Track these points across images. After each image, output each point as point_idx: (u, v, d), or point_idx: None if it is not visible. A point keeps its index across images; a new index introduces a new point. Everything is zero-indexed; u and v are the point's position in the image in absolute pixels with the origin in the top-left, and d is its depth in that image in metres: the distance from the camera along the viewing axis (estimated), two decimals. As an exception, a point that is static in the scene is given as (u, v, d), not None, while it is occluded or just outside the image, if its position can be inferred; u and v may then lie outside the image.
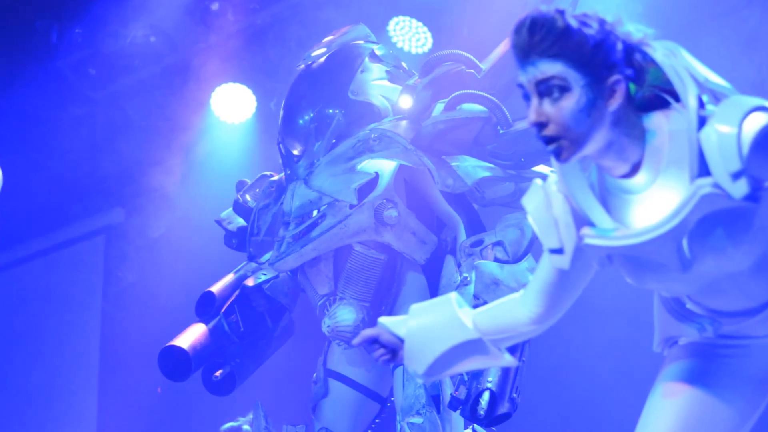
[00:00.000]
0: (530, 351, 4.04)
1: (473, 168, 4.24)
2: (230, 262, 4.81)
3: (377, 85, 4.43)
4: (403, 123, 4.28)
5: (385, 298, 4.32)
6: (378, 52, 4.52)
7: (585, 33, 2.31)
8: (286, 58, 6.07)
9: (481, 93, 4.17)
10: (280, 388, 5.73)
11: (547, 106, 2.33)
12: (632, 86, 2.38)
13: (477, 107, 4.19)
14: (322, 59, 4.49)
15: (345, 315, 4.24)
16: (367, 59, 4.46)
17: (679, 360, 2.67)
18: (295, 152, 4.39)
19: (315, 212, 4.25)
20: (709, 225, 2.33)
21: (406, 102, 4.31)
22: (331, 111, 4.38)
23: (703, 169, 2.27)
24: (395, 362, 2.90)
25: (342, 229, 4.18)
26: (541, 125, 2.34)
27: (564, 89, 2.31)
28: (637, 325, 4.15)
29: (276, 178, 4.60)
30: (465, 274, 4.09)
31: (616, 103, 2.34)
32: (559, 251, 2.50)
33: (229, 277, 4.69)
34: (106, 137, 7.06)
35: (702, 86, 2.33)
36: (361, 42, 4.55)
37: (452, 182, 4.21)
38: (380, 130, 4.25)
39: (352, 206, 4.17)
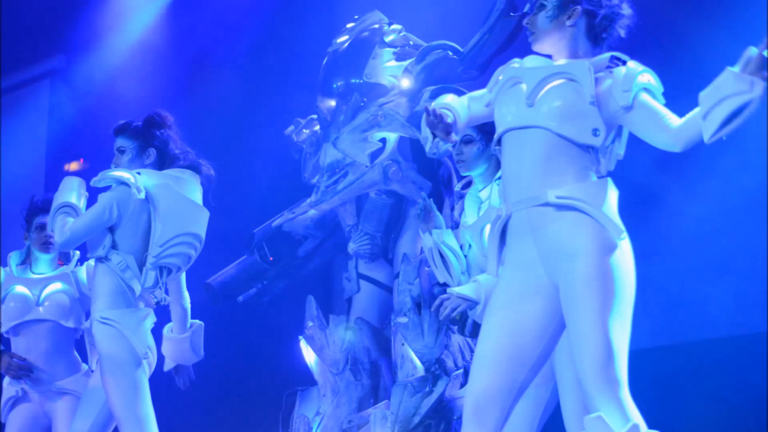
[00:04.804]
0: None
1: None
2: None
3: (386, 67, 5.93)
4: (403, 101, 5.79)
5: (394, 229, 5.89)
6: (386, 39, 5.98)
7: None
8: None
9: (453, 86, 5.44)
10: (261, 398, 6.79)
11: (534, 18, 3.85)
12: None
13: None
14: (345, 45, 6.02)
15: (363, 240, 5.88)
16: (377, 47, 5.94)
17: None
18: (328, 118, 5.97)
19: (339, 171, 5.81)
20: None
21: (406, 83, 5.87)
22: (353, 81, 5.92)
23: None
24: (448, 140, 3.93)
25: (360, 183, 5.76)
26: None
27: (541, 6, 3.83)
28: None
29: (317, 128, 6.18)
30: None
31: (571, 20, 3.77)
32: None
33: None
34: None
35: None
36: (377, 26, 6.02)
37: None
38: (385, 108, 5.75)
39: (366, 166, 5.75)
